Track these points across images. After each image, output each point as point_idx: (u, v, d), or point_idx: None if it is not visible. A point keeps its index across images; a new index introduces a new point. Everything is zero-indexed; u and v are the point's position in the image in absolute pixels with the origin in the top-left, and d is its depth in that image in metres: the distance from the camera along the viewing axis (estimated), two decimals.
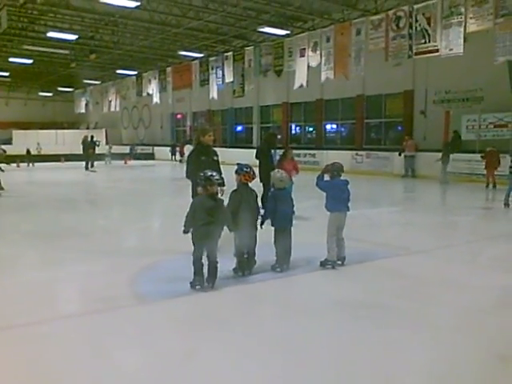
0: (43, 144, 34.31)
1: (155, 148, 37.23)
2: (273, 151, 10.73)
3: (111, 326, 4.46)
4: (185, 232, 5.36)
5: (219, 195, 5.67)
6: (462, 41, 16.02)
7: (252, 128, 31.26)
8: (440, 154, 17.54)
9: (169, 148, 34.62)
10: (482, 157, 15.86)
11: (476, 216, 11.61)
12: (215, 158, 7.15)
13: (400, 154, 20.16)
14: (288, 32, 22.75)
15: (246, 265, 5.81)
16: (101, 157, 28.10)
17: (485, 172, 15.74)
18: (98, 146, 25.76)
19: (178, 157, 32.78)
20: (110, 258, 6.91)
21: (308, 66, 21.46)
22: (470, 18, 15.74)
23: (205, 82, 28.21)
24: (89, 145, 24.69)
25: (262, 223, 6.01)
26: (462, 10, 15.91)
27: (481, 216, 11.67)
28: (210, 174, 5.42)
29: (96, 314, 4.74)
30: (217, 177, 5.43)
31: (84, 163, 23.91)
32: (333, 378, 3.54)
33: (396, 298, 5.18)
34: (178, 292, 5.24)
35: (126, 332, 4.36)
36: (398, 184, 18.55)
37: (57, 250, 7.51)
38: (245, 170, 5.91)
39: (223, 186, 6.82)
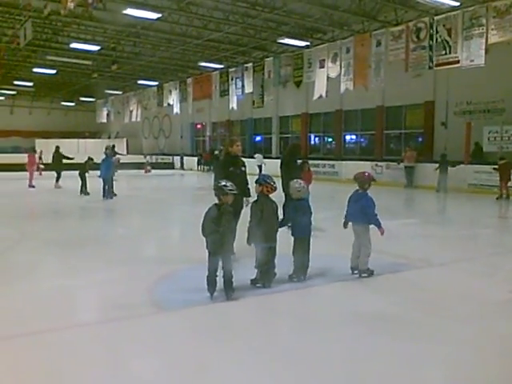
0: (66, 153, 34.63)
1: (175, 157, 37.51)
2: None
3: (129, 334, 4.49)
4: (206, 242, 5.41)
5: (244, 205, 5.66)
6: (484, 52, 15.88)
7: (271, 138, 31.31)
8: (457, 165, 17.83)
9: (184, 157, 35.09)
10: (494, 169, 16.10)
11: (495, 228, 11.48)
12: (243, 168, 7.22)
13: (399, 164, 20.55)
14: (308, 43, 22.81)
15: (266, 276, 5.80)
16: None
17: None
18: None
19: (201, 166, 33.12)
20: (128, 266, 6.96)
21: (327, 77, 21.48)
22: (492, 29, 15.61)
23: (225, 92, 28.39)
24: (110, 153, 24.90)
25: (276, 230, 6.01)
26: (484, 21, 15.79)
27: (500, 228, 11.53)
28: (223, 183, 5.45)
29: (114, 321, 4.77)
30: (230, 187, 5.44)
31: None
32: None
33: (415, 312, 5.12)
34: (196, 301, 5.25)
35: (143, 340, 4.38)
36: (417, 196, 18.38)
37: (76, 257, 7.59)
38: (268, 181, 5.91)
39: (248, 196, 6.86)
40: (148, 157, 35.24)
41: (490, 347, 4.30)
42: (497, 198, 15.75)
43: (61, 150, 19.48)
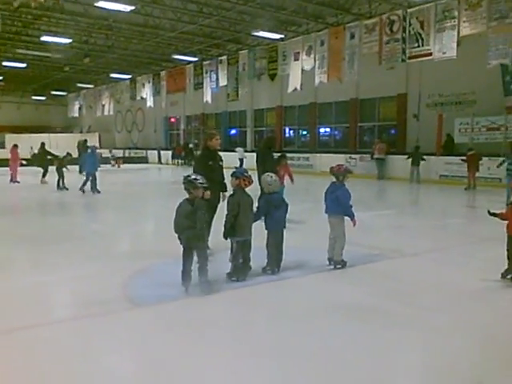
0: (36, 148, 34.05)
1: (149, 152, 37.18)
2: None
3: (104, 330, 4.44)
4: (179, 237, 5.38)
5: (221, 200, 5.62)
6: (456, 44, 16.10)
7: (246, 131, 31.27)
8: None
9: (161, 151, 34.78)
10: (462, 160, 16.56)
11: (466, 218, 11.71)
12: (220, 163, 7.17)
13: (372, 158, 20.84)
14: (282, 36, 22.80)
15: (240, 270, 5.79)
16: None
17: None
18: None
19: (175, 160, 32.92)
20: (102, 261, 6.89)
21: (302, 70, 21.51)
22: (464, 21, 15.82)
23: (199, 85, 28.23)
24: (83, 148, 24.64)
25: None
26: (456, 13, 15.99)
27: (470, 218, 11.76)
28: (193, 177, 5.40)
29: (89, 318, 4.72)
30: (201, 180, 5.40)
31: (78, 167, 23.81)
32: (326, 382, 3.53)
33: (389, 301, 5.18)
34: (170, 296, 5.23)
35: (118, 336, 4.35)
36: (390, 187, 18.61)
37: (49, 254, 7.48)
38: (245, 174, 5.90)
39: (225, 190, 6.80)
40: (113, 151, 34.40)
41: (463, 334, 4.38)
42: (465, 189, 16.15)
43: (46, 147, 19.34)
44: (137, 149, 39.28)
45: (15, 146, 20.00)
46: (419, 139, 20.47)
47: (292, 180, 10.50)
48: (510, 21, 14.80)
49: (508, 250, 5.77)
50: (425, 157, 18.67)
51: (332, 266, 6.35)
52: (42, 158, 18.56)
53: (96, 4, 17.93)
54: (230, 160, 19.42)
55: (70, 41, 24.31)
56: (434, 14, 16.66)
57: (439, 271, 6.42)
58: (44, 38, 23.60)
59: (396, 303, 5.13)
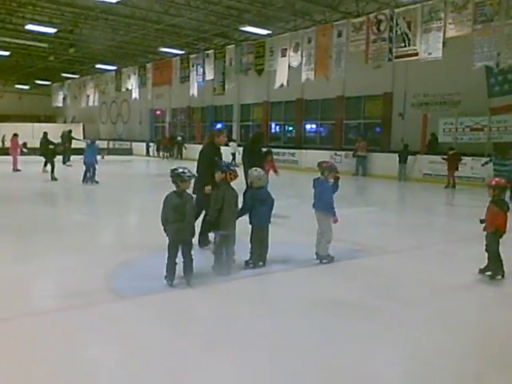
0: (21, 138, 33.69)
1: (133, 143, 36.93)
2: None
3: (86, 322, 4.42)
4: (164, 230, 5.37)
5: None
6: (441, 45, 16.23)
7: (232, 126, 31.22)
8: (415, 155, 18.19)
9: (151, 144, 34.47)
10: (443, 158, 16.83)
11: (449, 216, 11.87)
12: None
13: (354, 155, 21.12)
14: (270, 32, 22.76)
15: (224, 264, 5.81)
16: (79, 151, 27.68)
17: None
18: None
19: (161, 153, 32.69)
20: (85, 253, 6.84)
21: (289, 66, 21.51)
22: (450, 23, 15.96)
23: (185, 78, 28.08)
24: (66, 139, 24.39)
25: (236, 218, 6.03)
26: (442, 15, 16.12)
27: (453, 216, 11.92)
28: (181, 170, 5.39)
29: (71, 309, 4.69)
30: (188, 173, 5.40)
31: (61, 157, 23.62)
32: (309, 376, 3.57)
33: (372, 297, 5.24)
34: (154, 288, 5.22)
35: (101, 328, 4.33)
36: (374, 184, 18.76)
37: (31, 244, 7.42)
38: (231, 168, 5.93)
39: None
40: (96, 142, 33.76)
41: (444, 329, 4.45)
42: (445, 187, 16.46)
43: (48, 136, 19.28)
44: (121, 140, 38.98)
45: (15, 135, 20.49)
46: (404, 138, 20.63)
47: (276, 172, 10.54)
48: (495, 24, 14.97)
49: (486, 248, 5.90)
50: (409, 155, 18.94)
51: (318, 261, 6.41)
52: (45, 148, 18.51)
53: None
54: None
55: (55, 30, 23.99)
56: (420, 14, 16.77)
57: (421, 268, 6.50)
58: (28, 27, 23.26)
59: (379, 298, 5.19)
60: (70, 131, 25.76)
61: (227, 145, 24.08)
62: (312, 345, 4.09)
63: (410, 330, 4.41)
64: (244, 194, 6.33)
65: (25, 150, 20.16)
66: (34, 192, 14.20)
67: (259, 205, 6.11)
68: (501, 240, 5.85)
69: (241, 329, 4.41)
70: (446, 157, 16.73)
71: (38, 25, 23.17)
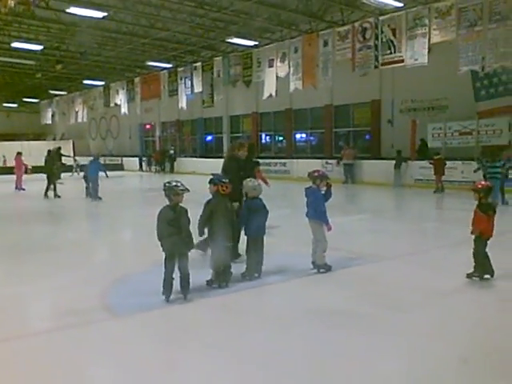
0: (8, 156, 33.58)
1: (124, 159, 36.82)
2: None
3: (83, 341, 4.38)
4: (161, 245, 5.34)
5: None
6: (427, 51, 16.38)
7: (222, 138, 31.26)
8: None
9: (144, 158, 34.42)
10: (430, 163, 17.11)
11: (441, 221, 11.90)
12: None
13: (339, 163, 21.31)
14: (256, 43, 22.88)
15: (221, 277, 5.78)
16: (68, 168, 27.62)
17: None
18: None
19: (153, 167, 32.70)
20: (80, 271, 6.79)
21: (277, 77, 21.60)
22: (434, 29, 16.13)
23: (174, 92, 28.11)
24: (56, 156, 24.28)
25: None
26: (426, 21, 16.29)
27: (446, 221, 11.95)
28: (174, 183, 5.38)
29: (67, 328, 4.65)
30: (182, 187, 5.39)
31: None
32: None
33: (369, 305, 5.23)
34: (151, 305, 5.18)
35: (98, 346, 4.29)
36: (366, 192, 18.81)
37: (25, 264, 7.35)
38: (223, 180, 5.91)
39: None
40: (78, 159, 33.47)
41: (442, 335, 4.45)
42: (434, 192, 16.58)
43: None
44: (112, 156, 38.85)
45: (19, 153, 20.46)
46: (394, 144, 20.75)
47: (267, 183, 10.54)
48: (479, 29, 15.15)
49: (473, 251, 5.97)
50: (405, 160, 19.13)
51: (315, 270, 6.40)
52: (49, 166, 18.07)
53: (68, 10, 17.73)
54: (207, 167, 19.41)
55: (42, 47, 23.96)
56: (405, 21, 16.94)
57: (416, 274, 6.50)
58: (15, 45, 23.22)
59: (376, 307, 5.19)
60: (59, 148, 25.63)
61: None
62: (310, 355, 4.06)
63: (407, 338, 4.40)
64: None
65: (30, 167, 19.93)
66: (31, 211, 14.17)
67: (254, 216, 6.10)
68: (490, 242, 5.89)
69: (239, 342, 4.38)
70: (432, 161, 16.97)
71: (25, 42, 23.13)
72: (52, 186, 16.49)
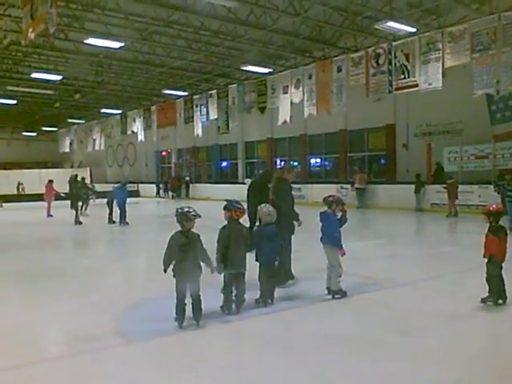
0: (27, 184, 34.15)
1: (140, 185, 37.12)
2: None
3: (97, 367, 4.37)
4: (164, 270, 5.33)
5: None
6: (441, 76, 16.42)
7: (237, 164, 31.42)
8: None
9: (161, 185, 34.68)
10: (444, 187, 17.07)
11: (457, 246, 11.71)
12: None
13: (352, 187, 21.26)
14: (271, 70, 23.14)
15: (232, 302, 5.74)
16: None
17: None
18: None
19: (169, 193, 32.95)
20: (94, 297, 6.80)
21: (291, 103, 21.78)
22: (448, 53, 16.19)
23: (189, 119, 28.46)
24: (74, 184, 24.64)
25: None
26: (440, 45, 16.36)
27: (462, 245, 11.76)
28: (186, 209, 5.39)
29: (82, 354, 4.63)
30: (194, 212, 5.40)
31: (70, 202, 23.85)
32: None
33: (384, 332, 5.14)
34: (164, 331, 5.16)
35: (112, 373, 4.26)
36: (381, 216, 18.66)
37: (40, 290, 7.38)
38: (236, 205, 5.88)
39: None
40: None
41: (458, 362, 4.35)
42: (447, 216, 16.49)
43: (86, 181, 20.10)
44: (129, 182, 39.13)
45: (50, 181, 20.99)
46: (409, 168, 20.65)
47: None
48: (493, 52, 15.16)
49: (486, 275, 5.87)
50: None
51: (330, 296, 6.33)
52: (76, 193, 18.75)
53: (86, 41, 18.17)
54: (222, 192, 19.43)
55: (61, 77, 24.50)
56: (418, 46, 17.04)
57: (432, 299, 6.39)
58: (34, 75, 23.79)
59: (392, 334, 5.09)
60: (77, 176, 25.97)
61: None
62: (325, 383, 3.98)
63: (425, 364, 4.29)
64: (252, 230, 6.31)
65: (62, 195, 20.31)
66: (50, 237, 14.28)
67: (265, 242, 6.06)
68: (505, 267, 5.79)
69: (253, 370, 4.32)
70: (445, 186, 16.92)
71: (44, 72, 23.70)
72: (74, 212, 16.78)
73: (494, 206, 6.19)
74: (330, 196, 6.59)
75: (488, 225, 5.96)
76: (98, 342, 4.95)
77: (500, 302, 5.86)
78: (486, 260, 5.91)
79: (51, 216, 19.29)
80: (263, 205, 6.40)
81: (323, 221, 6.43)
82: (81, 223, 16.57)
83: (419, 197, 18.75)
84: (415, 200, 18.77)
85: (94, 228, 15.79)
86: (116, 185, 17.90)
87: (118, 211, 16.04)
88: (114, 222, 16.22)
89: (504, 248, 5.87)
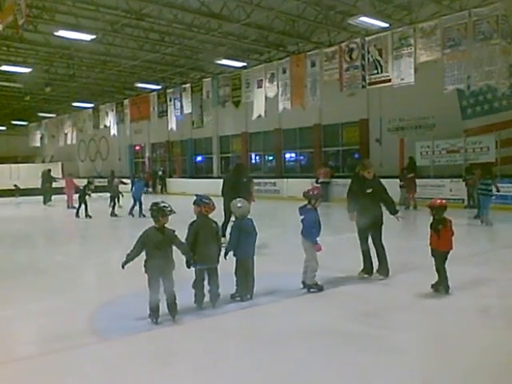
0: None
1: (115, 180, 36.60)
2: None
3: (71, 366, 4.31)
4: (122, 266, 5.30)
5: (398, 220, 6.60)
6: (413, 71, 16.60)
7: (212, 158, 31.31)
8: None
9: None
10: (401, 182, 17.81)
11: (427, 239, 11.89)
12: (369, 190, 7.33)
13: (317, 182, 21.20)
14: (245, 64, 23.07)
15: (203, 298, 5.72)
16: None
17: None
18: (56, 181, 25.10)
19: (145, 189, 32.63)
20: (67, 294, 6.70)
21: (266, 97, 21.76)
22: (419, 48, 16.37)
23: (163, 113, 28.21)
24: (47, 179, 24.26)
25: (225, 254, 5.96)
26: (412, 41, 16.54)
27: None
28: (162, 205, 5.34)
29: (54, 353, 4.56)
30: (170, 208, 5.35)
31: (42, 197, 23.52)
32: None
33: (360, 324, 5.19)
34: (139, 328, 5.11)
35: (87, 371, 4.22)
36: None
37: (10, 288, 7.24)
38: (204, 201, 5.83)
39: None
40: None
41: (437, 352, 4.42)
42: (405, 208, 16.73)
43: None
44: (101, 177, 38.69)
45: (70, 174, 23.51)
46: (382, 163, 20.87)
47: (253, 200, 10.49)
48: (463, 48, 15.39)
49: (435, 266, 6.26)
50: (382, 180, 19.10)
51: (306, 290, 6.36)
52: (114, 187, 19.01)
53: (56, 33, 17.81)
54: (197, 187, 19.35)
55: (30, 70, 23.98)
56: (391, 41, 17.19)
57: (406, 292, 6.46)
58: (3, 68, 23.23)
59: (367, 326, 5.15)
60: (50, 170, 25.55)
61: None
62: (302, 376, 4.00)
63: (402, 356, 4.36)
64: (222, 225, 6.28)
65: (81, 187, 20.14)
66: (5, 234, 13.99)
67: (244, 236, 6.04)
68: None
69: (230, 364, 4.32)
70: (402, 183, 17.62)
71: (13, 65, 23.16)
72: (84, 207, 17.01)
73: (439, 201, 6.56)
74: (309, 190, 6.63)
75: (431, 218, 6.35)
76: (72, 340, 4.89)
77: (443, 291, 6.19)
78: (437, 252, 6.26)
79: (74, 208, 18.97)
80: (235, 200, 6.37)
81: (302, 214, 6.47)
82: (91, 217, 16.81)
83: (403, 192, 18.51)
84: (401, 195, 18.29)
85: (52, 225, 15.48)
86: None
87: (132, 203, 16.72)
88: (117, 216, 17.05)
89: (445, 240, 6.22)
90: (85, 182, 18.80)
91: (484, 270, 7.76)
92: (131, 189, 18.11)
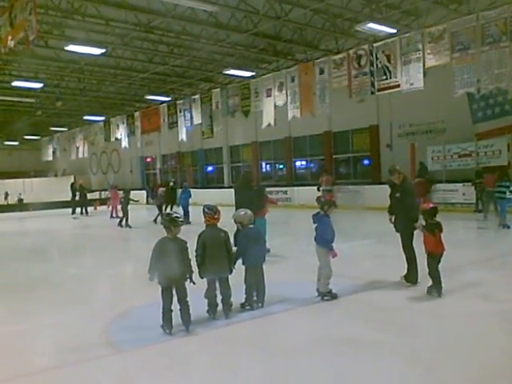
0: (11, 193, 33.94)
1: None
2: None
3: (86, 379, 4.31)
4: (150, 279, 5.27)
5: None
6: (422, 75, 16.53)
7: (223, 168, 31.38)
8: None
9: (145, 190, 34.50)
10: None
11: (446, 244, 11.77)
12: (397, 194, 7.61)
13: (318, 189, 21.06)
14: (253, 73, 23.16)
15: (216, 307, 5.70)
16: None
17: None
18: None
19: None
20: (81, 307, 6.73)
21: (275, 106, 21.78)
22: (428, 53, 16.31)
23: (173, 124, 28.33)
24: (81, 191, 25.09)
25: (234, 263, 5.91)
26: (420, 46, 16.49)
27: (450, 244, 11.81)
28: (174, 215, 5.35)
29: (69, 366, 4.58)
30: (182, 218, 5.35)
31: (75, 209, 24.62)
32: None
33: (374, 331, 5.15)
34: (153, 339, 5.11)
35: (100, 383, 4.20)
36: (367, 217, 18.72)
37: (26, 301, 7.27)
38: (206, 210, 5.77)
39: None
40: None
41: (451, 359, 4.36)
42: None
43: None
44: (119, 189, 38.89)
45: (115, 187, 24.33)
46: None
47: (276, 203, 10.65)
48: (472, 51, 15.32)
49: (428, 269, 6.37)
50: None
51: (319, 298, 6.32)
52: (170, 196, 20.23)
53: (66, 48, 18.02)
54: (209, 197, 19.38)
55: (42, 85, 24.28)
56: (399, 47, 17.15)
57: (421, 299, 6.41)
58: (15, 83, 23.54)
59: (382, 334, 5.10)
60: (79, 184, 26.11)
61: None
62: None
63: (418, 363, 4.30)
64: (234, 235, 6.27)
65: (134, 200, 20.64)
66: (21, 247, 14.10)
67: (252, 244, 6.02)
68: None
69: (244, 374, 4.30)
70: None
71: (25, 81, 23.45)
72: (125, 217, 17.74)
73: (431, 205, 6.73)
74: (321, 197, 6.66)
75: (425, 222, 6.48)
76: (86, 352, 4.90)
77: (435, 295, 6.26)
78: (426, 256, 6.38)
79: (118, 217, 19.61)
80: (238, 210, 6.35)
81: (316, 221, 6.45)
82: (130, 227, 17.49)
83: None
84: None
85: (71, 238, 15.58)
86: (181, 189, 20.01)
87: (182, 212, 16.62)
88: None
89: (441, 242, 6.39)
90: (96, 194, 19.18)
91: (500, 275, 7.67)
92: (179, 198, 19.11)
